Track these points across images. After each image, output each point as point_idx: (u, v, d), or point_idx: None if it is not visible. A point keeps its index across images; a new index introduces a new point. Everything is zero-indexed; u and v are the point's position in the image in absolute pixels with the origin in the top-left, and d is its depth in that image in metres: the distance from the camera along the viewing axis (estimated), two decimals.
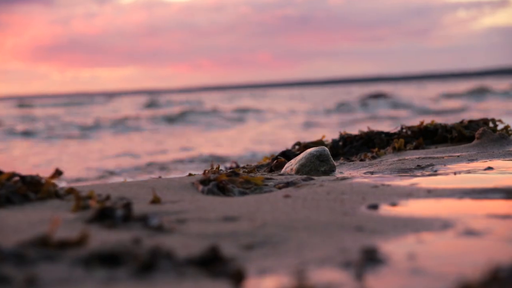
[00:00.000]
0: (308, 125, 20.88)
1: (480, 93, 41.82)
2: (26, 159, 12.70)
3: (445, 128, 5.46)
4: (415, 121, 6.22)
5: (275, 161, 4.37)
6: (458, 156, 4.38)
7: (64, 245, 1.79)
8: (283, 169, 4.07)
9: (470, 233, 1.99)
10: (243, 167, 4.51)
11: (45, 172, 3.02)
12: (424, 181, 3.25)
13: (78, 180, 8.53)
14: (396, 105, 31.83)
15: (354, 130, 5.78)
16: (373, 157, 4.79)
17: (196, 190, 3.13)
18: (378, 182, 3.24)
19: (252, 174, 3.73)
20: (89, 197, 2.63)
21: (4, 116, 32.53)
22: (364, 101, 37.39)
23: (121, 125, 22.73)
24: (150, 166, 10.23)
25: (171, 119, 25.21)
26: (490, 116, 5.68)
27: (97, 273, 1.60)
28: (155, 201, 2.71)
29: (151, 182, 3.27)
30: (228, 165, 5.78)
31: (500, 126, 5.44)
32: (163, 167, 10.04)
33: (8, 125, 23.75)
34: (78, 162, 11.56)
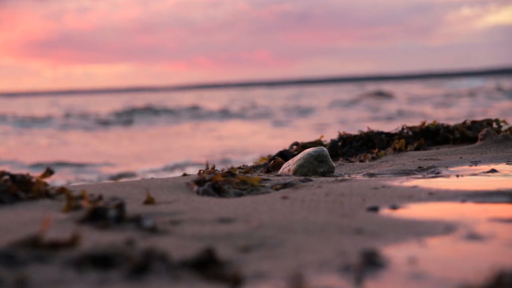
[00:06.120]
0: None
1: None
2: None
3: (447, 128, 5.44)
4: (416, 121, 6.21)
5: (272, 161, 4.34)
6: (461, 157, 4.36)
7: (55, 246, 1.77)
8: (281, 170, 4.04)
9: (473, 237, 1.96)
10: (240, 167, 4.48)
11: None
12: (425, 183, 3.21)
13: None
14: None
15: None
16: (373, 158, 4.76)
17: (191, 190, 3.11)
18: (378, 183, 3.21)
19: (249, 175, 3.70)
20: (81, 197, 2.60)
21: None
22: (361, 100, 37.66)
23: None
24: None
25: None
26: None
27: (89, 275, 1.58)
28: (149, 201, 2.68)
29: (144, 182, 3.25)
30: None
31: (504, 127, 5.40)
32: None
33: None
34: None
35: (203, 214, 2.42)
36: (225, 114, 30.95)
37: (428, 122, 5.62)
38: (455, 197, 2.70)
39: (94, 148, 15.76)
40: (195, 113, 31.71)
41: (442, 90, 53.13)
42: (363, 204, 2.61)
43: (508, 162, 3.99)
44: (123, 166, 11.82)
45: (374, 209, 2.50)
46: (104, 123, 26.77)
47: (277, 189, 3.21)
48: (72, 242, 1.79)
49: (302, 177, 3.51)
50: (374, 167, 4.22)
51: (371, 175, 3.80)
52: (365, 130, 5.51)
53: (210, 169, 3.53)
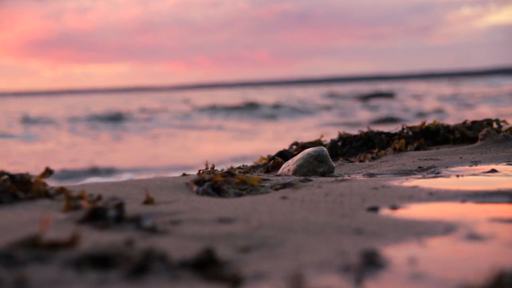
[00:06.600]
0: None
1: None
2: None
3: (447, 128, 5.43)
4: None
5: (272, 161, 4.33)
6: (461, 157, 4.35)
7: (54, 246, 1.76)
8: (280, 170, 4.03)
9: (473, 237, 1.95)
10: (239, 167, 4.47)
11: None
12: (425, 183, 3.20)
13: None
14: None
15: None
16: (373, 158, 4.75)
17: (190, 190, 3.09)
18: (378, 183, 3.20)
19: (248, 175, 3.69)
20: (80, 197, 2.59)
21: None
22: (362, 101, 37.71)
23: None
24: None
25: None
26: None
27: (89, 275, 1.57)
28: (149, 201, 2.67)
29: (144, 182, 3.24)
30: None
31: (504, 127, 5.39)
32: None
33: None
34: None
35: (203, 214, 2.42)
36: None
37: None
38: (455, 197, 2.69)
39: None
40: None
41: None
42: (363, 204, 2.61)
43: (508, 162, 3.98)
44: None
45: (374, 209, 2.49)
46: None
47: (276, 189, 3.20)
48: (72, 242, 1.79)
49: (302, 177, 3.50)
50: (374, 167, 4.21)
51: (371, 175, 3.80)
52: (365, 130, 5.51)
53: (209, 169, 3.52)
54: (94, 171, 10.89)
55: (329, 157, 3.93)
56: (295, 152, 4.89)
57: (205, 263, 1.65)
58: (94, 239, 1.93)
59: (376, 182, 3.25)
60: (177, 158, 12.78)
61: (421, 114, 24.47)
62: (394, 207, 2.52)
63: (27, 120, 28.56)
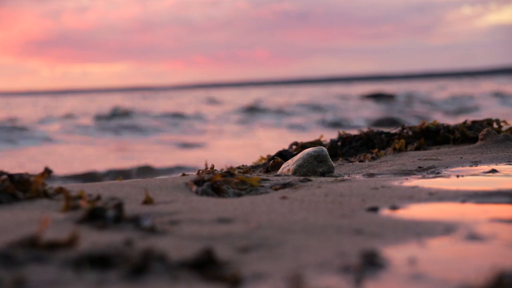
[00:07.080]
0: None
1: None
2: None
3: (447, 128, 5.42)
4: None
5: (271, 161, 4.32)
6: (461, 157, 4.34)
7: (53, 246, 1.76)
8: (280, 170, 4.02)
9: (473, 237, 1.95)
10: (239, 167, 4.46)
11: None
12: (425, 183, 3.20)
13: None
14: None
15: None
16: (373, 158, 4.75)
17: (189, 190, 3.09)
18: (378, 183, 3.19)
19: (248, 175, 3.69)
20: (79, 197, 2.59)
21: None
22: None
23: None
24: None
25: None
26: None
27: (88, 276, 1.57)
28: (148, 201, 2.67)
29: (143, 182, 3.23)
30: None
31: (505, 127, 5.38)
32: None
33: None
34: None
35: (202, 214, 2.41)
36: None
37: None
38: (456, 198, 2.69)
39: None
40: None
41: None
42: (362, 204, 2.60)
43: (508, 162, 3.98)
44: None
45: (374, 209, 2.49)
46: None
47: (276, 189, 3.19)
48: (70, 242, 1.78)
49: (302, 177, 3.50)
50: (374, 167, 4.21)
51: (371, 175, 3.79)
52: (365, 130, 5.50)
53: (209, 169, 3.51)
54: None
55: (329, 157, 3.92)
56: (295, 152, 4.89)
57: (204, 263, 1.65)
58: (93, 239, 1.93)
59: (376, 182, 3.25)
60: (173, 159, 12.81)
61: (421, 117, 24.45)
62: (394, 208, 2.51)
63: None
